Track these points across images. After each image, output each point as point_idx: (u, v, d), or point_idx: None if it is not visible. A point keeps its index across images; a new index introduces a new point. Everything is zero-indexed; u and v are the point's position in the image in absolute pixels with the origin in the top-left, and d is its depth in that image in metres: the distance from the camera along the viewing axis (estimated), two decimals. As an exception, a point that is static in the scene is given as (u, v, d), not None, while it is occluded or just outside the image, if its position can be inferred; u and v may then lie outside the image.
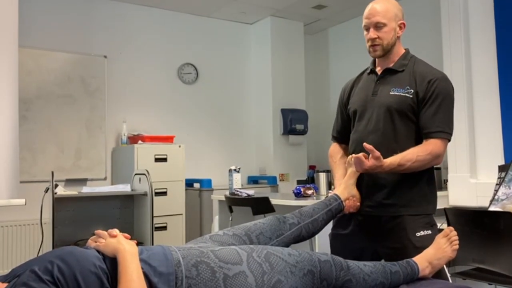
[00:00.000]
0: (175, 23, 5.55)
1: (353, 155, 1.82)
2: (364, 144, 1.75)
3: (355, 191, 1.96)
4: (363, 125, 1.99)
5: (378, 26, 1.91)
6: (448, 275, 1.96)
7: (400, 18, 1.95)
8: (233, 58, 5.98)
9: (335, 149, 2.21)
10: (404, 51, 2.01)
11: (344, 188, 1.97)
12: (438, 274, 1.85)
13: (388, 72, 1.99)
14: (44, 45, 4.69)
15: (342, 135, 2.18)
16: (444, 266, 1.90)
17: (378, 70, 2.03)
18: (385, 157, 1.77)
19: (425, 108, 1.87)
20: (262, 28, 5.96)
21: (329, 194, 2.04)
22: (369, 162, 1.75)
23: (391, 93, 1.93)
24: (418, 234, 1.85)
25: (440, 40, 3.54)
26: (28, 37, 4.45)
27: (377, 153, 1.73)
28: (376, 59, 2.04)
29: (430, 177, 1.94)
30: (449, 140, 1.88)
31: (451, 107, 1.89)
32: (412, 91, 1.89)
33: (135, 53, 5.25)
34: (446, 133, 1.85)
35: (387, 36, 1.92)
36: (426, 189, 1.92)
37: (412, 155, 1.81)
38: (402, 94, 1.90)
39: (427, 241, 1.84)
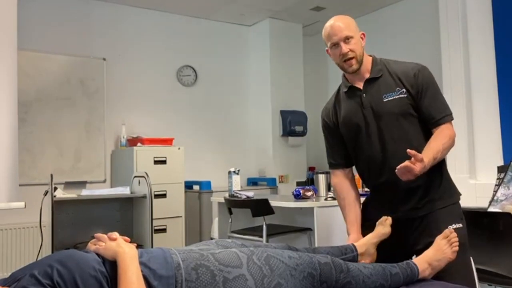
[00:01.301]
0: (174, 25, 5.55)
1: (398, 171, 1.73)
2: (408, 150, 1.69)
3: (373, 251, 1.91)
4: (371, 141, 1.96)
5: (347, 39, 1.94)
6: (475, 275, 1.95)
7: (359, 29, 2.01)
8: (232, 60, 5.98)
9: (342, 182, 2.13)
10: (371, 58, 2.04)
11: (364, 243, 1.92)
12: (463, 275, 1.84)
13: (369, 82, 1.99)
14: (43, 47, 4.69)
15: (342, 160, 2.14)
16: (474, 269, 1.88)
17: (358, 84, 2.02)
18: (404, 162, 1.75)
19: (422, 100, 1.91)
20: (261, 30, 5.97)
21: (347, 242, 1.99)
22: (418, 167, 1.71)
23: (385, 100, 1.93)
24: (450, 227, 1.85)
25: (439, 41, 3.55)
26: (27, 39, 4.46)
27: (420, 156, 1.71)
28: (350, 77, 2.04)
29: (446, 167, 2.00)
30: (452, 119, 1.95)
31: (439, 90, 1.98)
32: (404, 90, 1.92)
33: (134, 55, 5.25)
34: (449, 115, 1.93)
35: (357, 47, 1.96)
36: (448, 179, 1.99)
37: (438, 146, 1.85)
38: (397, 97, 1.92)
39: (460, 235, 1.83)
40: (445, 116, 1.91)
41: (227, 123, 5.87)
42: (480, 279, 2.36)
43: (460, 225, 1.89)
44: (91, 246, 1.42)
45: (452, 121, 1.94)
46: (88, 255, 1.34)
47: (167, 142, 4.93)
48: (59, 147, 4.70)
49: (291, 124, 5.69)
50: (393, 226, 1.94)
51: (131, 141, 4.92)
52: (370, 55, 2.05)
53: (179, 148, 4.83)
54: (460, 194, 1.99)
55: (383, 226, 1.93)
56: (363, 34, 2.02)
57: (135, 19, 5.29)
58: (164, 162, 4.70)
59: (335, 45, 1.96)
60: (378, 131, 1.95)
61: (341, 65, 1.99)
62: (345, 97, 2.07)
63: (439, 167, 1.92)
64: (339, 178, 2.13)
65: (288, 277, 1.49)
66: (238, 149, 5.90)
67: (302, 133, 5.80)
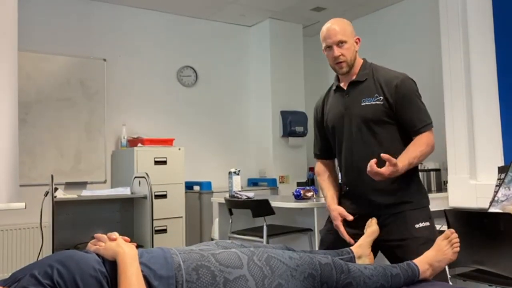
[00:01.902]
0: (174, 26, 5.55)
1: (368, 172, 1.85)
2: (382, 155, 1.81)
3: (369, 251, 1.99)
4: (346, 140, 2.10)
5: (340, 44, 2.07)
6: (448, 277, 1.97)
7: (354, 34, 2.13)
8: (232, 61, 5.98)
9: (321, 167, 2.32)
10: (362, 61, 2.15)
11: (359, 245, 1.99)
12: (438, 275, 1.87)
13: (352, 84, 2.12)
14: (44, 48, 4.69)
15: (324, 152, 2.31)
16: (446, 268, 1.92)
17: (343, 85, 2.16)
18: (378, 166, 1.84)
19: (402, 110, 2.01)
20: (261, 31, 5.97)
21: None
22: (388, 170, 1.82)
23: (362, 104, 2.05)
24: (417, 225, 1.96)
25: (439, 42, 3.55)
26: (28, 40, 4.46)
27: (394, 160, 1.82)
28: (339, 76, 2.18)
29: (417, 175, 2.11)
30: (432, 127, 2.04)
31: (421, 100, 2.06)
32: (382, 97, 2.02)
33: (135, 56, 5.26)
34: (429, 124, 2.02)
35: (349, 52, 2.08)
36: (419, 185, 2.10)
37: (415, 152, 1.95)
38: (373, 103, 2.03)
39: (426, 232, 1.95)
40: (425, 126, 2.00)
41: (227, 124, 5.87)
42: (480, 280, 2.36)
43: (428, 223, 1.99)
44: (91, 246, 1.42)
45: (432, 129, 2.03)
46: (88, 255, 1.34)
47: (168, 142, 4.93)
48: (59, 147, 4.70)
49: (292, 124, 5.69)
50: (357, 222, 2.05)
51: (131, 142, 4.92)
52: (362, 58, 2.16)
53: (179, 149, 4.84)
54: (428, 202, 2.10)
55: (371, 226, 2.02)
56: (358, 39, 2.14)
57: (136, 20, 5.30)
58: (164, 162, 4.71)
59: (329, 47, 2.11)
60: (350, 132, 2.08)
61: (333, 67, 2.15)
62: (333, 95, 2.22)
63: (409, 174, 1.99)
64: (320, 166, 2.33)
65: (289, 278, 1.49)
66: (238, 149, 5.90)
67: (303, 134, 5.80)
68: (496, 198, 2.45)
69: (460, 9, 3.41)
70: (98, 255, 1.37)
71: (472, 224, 2.31)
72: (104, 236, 1.41)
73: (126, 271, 1.29)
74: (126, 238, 1.43)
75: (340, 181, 2.29)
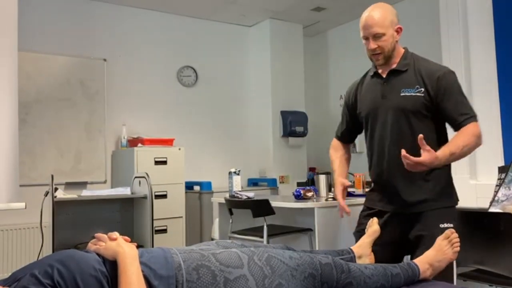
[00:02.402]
0: (174, 26, 5.55)
1: (403, 160, 1.78)
2: (419, 136, 1.75)
3: (369, 252, 1.98)
4: (379, 129, 2.05)
5: (376, 36, 1.98)
6: (455, 276, 1.97)
7: (396, 23, 2.02)
8: (232, 61, 5.98)
9: (338, 143, 2.34)
10: (403, 50, 2.07)
11: (359, 245, 2.00)
12: (445, 275, 1.86)
13: (392, 73, 2.04)
14: (44, 48, 4.69)
15: (346, 136, 2.33)
16: (454, 268, 1.91)
17: (381, 72, 2.08)
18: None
19: (444, 104, 1.94)
20: (261, 31, 5.97)
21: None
22: (427, 156, 1.75)
23: (402, 94, 1.99)
24: (441, 225, 1.92)
25: (439, 41, 3.55)
26: (28, 40, 4.45)
27: (427, 146, 1.76)
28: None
29: (449, 173, 2.03)
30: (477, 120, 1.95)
31: (463, 93, 1.99)
32: (423, 89, 1.95)
33: (135, 56, 5.26)
34: (473, 117, 1.93)
35: (387, 44, 1.99)
36: (449, 183, 2.02)
37: (457, 142, 1.87)
38: (414, 94, 1.96)
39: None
40: (469, 118, 1.92)
41: (227, 124, 5.87)
42: (480, 280, 2.36)
43: (451, 225, 1.93)
44: (91, 246, 1.42)
45: (477, 121, 1.94)
46: (88, 255, 1.34)
47: (168, 142, 4.92)
48: (59, 147, 4.70)
49: (292, 124, 5.68)
50: (387, 222, 2.03)
51: (131, 142, 4.92)
52: (404, 48, 2.09)
53: (179, 149, 4.83)
54: (458, 200, 2.04)
55: (372, 226, 2.02)
56: (399, 28, 2.03)
57: (136, 20, 5.30)
58: (164, 162, 4.70)
59: (366, 38, 2.02)
60: (386, 122, 2.02)
61: (370, 57, 2.07)
62: (369, 82, 2.14)
63: (441, 170, 1.95)
64: (337, 142, 2.35)
65: (289, 278, 1.49)
66: (238, 149, 5.90)
67: (303, 134, 5.80)
68: (496, 198, 2.45)
69: (460, 9, 3.41)
70: (98, 254, 1.36)
71: (473, 224, 2.31)
72: (105, 235, 1.41)
73: (127, 271, 1.29)
74: (126, 238, 1.43)
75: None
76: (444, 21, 3.52)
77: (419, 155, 1.76)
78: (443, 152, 1.80)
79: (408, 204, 1.98)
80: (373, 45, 1.99)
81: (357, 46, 4.85)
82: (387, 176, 2.04)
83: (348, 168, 2.29)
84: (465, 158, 3.30)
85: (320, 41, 6.54)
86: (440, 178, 1.99)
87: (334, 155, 2.32)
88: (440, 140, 1.99)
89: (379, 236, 2.01)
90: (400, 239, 2.02)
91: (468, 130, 1.89)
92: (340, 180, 2.18)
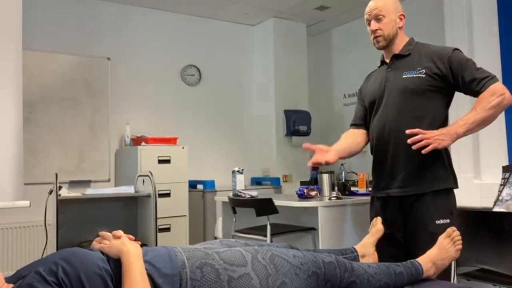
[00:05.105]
0: (178, 25, 5.56)
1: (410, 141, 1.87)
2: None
3: (372, 251, 2.00)
4: (382, 112, 2.11)
5: (378, 18, 2.09)
6: (455, 275, 1.97)
7: (399, 10, 2.13)
8: (236, 60, 5.99)
9: (350, 132, 2.35)
10: (408, 38, 2.17)
11: (362, 244, 2.01)
12: (444, 274, 1.86)
13: (396, 58, 2.14)
14: (48, 47, 4.71)
15: (358, 121, 2.34)
16: (453, 266, 1.91)
17: (386, 58, 2.20)
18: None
19: (460, 76, 1.98)
20: (265, 30, 5.97)
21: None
22: (431, 133, 1.86)
23: (403, 76, 2.07)
24: (437, 222, 1.94)
25: (444, 41, 3.54)
26: (32, 40, 4.46)
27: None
28: (384, 53, 2.20)
29: (448, 154, 2.07)
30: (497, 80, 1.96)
31: (474, 64, 2.02)
32: (424, 71, 2.02)
33: (138, 55, 5.27)
34: (493, 77, 1.96)
35: (387, 27, 2.09)
36: (446, 166, 2.04)
37: (482, 103, 1.91)
38: (415, 75, 2.03)
39: (443, 231, 1.90)
40: (488, 80, 1.94)
41: (231, 123, 5.88)
42: (484, 280, 2.35)
43: (448, 220, 1.95)
44: (95, 244, 1.42)
45: (498, 80, 1.95)
46: (92, 253, 1.35)
47: (171, 141, 4.93)
48: (63, 146, 4.72)
49: (295, 123, 5.68)
50: (383, 206, 2.09)
51: (135, 141, 4.93)
52: (410, 37, 2.18)
53: (183, 148, 4.84)
54: (456, 183, 2.05)
55: (375, 225, 2.05)
56: (402, 15, 2.14)
57: (139, 19, 5.30)
58: (168, 161, 4.71)
59: (368, 21, 2.14)
60: (388, 103, 2.09)
61: (372, 40, 2.16)
62: (377, 71, 2.27)
63: (440, 152, 1.99)
64: (348, 132, 2.36)
65: (293, 276, 1.49)
66: (242, 148, 5.90)
67: (306, 133, 5.79)
68: (500, 198, 2.45)
69: (465, 9, 3.40)
70: (102, 253, 1.37)
71: (476, 223, 2.31)
72: (109, 234, 1.42)
73: (131, 269, 1.30)
74: (130, 236, 1.43)
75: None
76: (449, 21, 3.51)
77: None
78: (465, 120, 1.88)
79: (406, 182, 2.01)
80: (374, 26, 2.10)
81: (361, 45, 4.85)
82: (388, 150, 2.08)
83: (349, 151, 2.25)
84: (469, 157, 3.31)
85: (323, 40, 6.53)
86: (438, 158, 2.01)
87: (342, 136, 2.34)
88: (441, 120, 2.03)
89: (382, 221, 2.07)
90: (398, 227, 2.06)
91: (490, 91, 1.92)
92: (328, 148, 2.17)
